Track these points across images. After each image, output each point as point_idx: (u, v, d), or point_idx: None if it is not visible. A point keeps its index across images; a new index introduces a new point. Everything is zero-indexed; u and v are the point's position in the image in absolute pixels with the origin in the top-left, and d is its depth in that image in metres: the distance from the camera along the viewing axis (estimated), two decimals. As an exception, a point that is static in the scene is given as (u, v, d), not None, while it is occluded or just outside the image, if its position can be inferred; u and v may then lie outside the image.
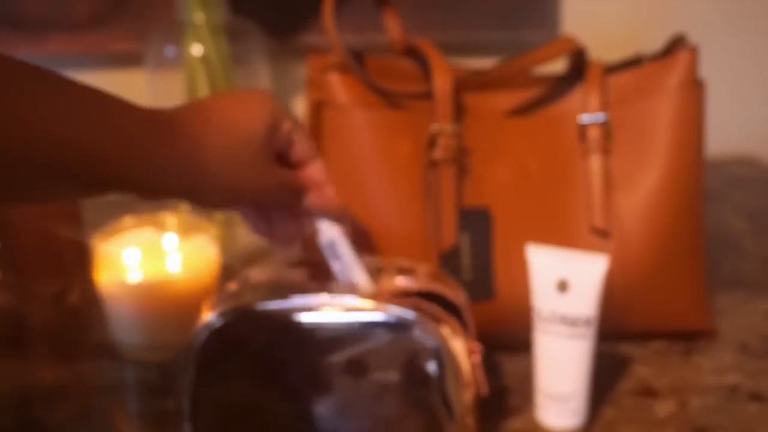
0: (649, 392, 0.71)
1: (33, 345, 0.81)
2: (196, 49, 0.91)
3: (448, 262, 0.74)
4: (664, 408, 0.69)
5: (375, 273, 0.61)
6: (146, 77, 0.96)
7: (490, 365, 0.72)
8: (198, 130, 0.53)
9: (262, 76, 0.97)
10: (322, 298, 0.57)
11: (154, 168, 0.50)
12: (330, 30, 0.76)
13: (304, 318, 0.56)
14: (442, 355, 0.55)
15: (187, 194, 0.54)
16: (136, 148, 0.49)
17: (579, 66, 0.78)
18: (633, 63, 0.80)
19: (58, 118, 0.45)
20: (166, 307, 0.74)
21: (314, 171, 0.61)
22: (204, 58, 0.91)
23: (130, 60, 1.04)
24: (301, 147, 0.60)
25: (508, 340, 0.73)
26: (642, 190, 0.75)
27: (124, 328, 0.76)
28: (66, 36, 1.05)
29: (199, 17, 0.91)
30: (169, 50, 0.94)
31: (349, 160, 0.76)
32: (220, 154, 0.54)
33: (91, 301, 0.78)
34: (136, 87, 0.99)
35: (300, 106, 1.12)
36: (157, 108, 0.52)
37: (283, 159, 0.60)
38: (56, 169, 0.46)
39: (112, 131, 0.48)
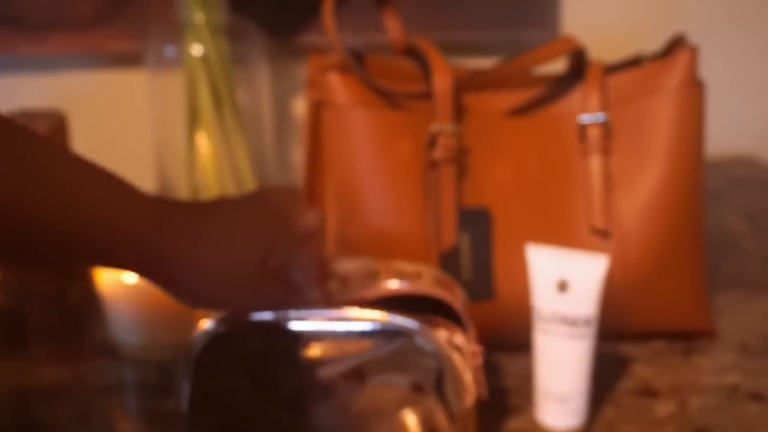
0: (649, 392, 0.71)
1: (33, 345, 0.81)
2: (196, 49, 0.91)
3: (448, 262, 0.74)
4: (664, 408, 0.69)
5: (371, 276, 0.60)
6: (146, 77, 0.96)
7: (490, 365, 0.71)
8: (190, 238, 0.51)
9: (262, 76, 0.97)
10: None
11: (137, 252, 0.49)
12: (330, 30, 0.76)
13: (302, 326, 0.56)
14: (440, 360, 0.55)
15: (165, 287, 0.52)
16: (124, 229, 0.48)
17: (579, 66, 0.78)
18: (633, 63, 0.80)
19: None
20: (166, 307, 0.74)
21: (312, 295, 0.56)
22: (204, 58, 0.91)
23: (130, 60, 1.04)
24: (300, 272, 0.56)
25: (508, 340, 0.73)
26: (642, 190, 0.75)
27: (124, 328, 0.76)
28: (66, 36, 1.05)
29: (199, 17, 0.90)
30: (169, 50, 0.94)
31: (349, 160, 0.76)
32: (205, 269, 0.51)
33: (91, 301, 0.78)
34: (136, 87, 0.99)
35: (300, 106, 1.12)
36: (165, 197, 0.50)
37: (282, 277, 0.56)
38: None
39: (105, 208, 0.47)
